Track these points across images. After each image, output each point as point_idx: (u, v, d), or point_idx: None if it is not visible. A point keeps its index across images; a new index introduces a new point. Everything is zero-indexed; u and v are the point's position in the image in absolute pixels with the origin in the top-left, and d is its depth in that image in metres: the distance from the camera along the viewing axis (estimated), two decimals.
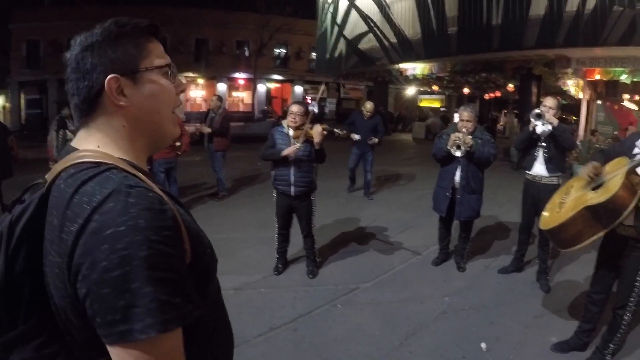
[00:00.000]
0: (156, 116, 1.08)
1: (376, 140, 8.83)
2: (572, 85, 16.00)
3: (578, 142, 13.66)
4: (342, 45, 23.47)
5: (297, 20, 33.48)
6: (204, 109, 26.33)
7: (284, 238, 5.11)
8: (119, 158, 0.98)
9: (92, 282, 0.82)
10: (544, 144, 4.79)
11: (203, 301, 0.99)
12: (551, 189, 4.64)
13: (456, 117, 5.69)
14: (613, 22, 11.28)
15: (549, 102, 4.79)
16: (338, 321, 4.16)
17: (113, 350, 0.84)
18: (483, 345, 3.82)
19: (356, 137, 8.75)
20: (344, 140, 6.37)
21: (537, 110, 4.69)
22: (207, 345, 1.08)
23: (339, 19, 23.35)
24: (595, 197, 3.04)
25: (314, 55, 32.25)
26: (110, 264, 0.81)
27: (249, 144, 14.15)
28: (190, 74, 32.32)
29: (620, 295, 3.41)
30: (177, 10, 30.26)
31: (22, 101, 31.44)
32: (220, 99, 8.73)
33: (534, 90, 15.68)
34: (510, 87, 19.93)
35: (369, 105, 9.05)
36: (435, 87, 26.37)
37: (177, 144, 7.22)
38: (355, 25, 22.04)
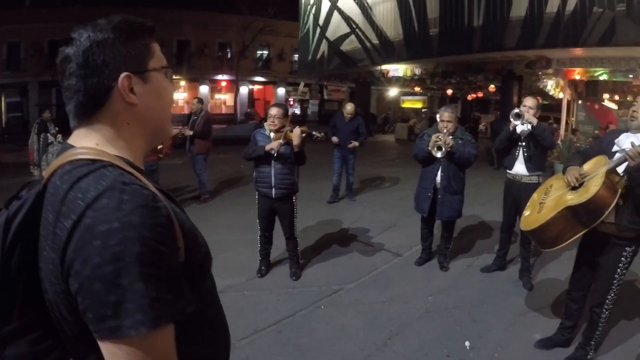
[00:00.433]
0: (160, 114, 1.11)
1: (356, 144, 8.61)
2: (552, 86, 16.21)
3: (559, 142, 13.86)
4: (324, 47, 23.50)
5: (280, 22, 33.43)
6: (186, 111, 26.14)
7: (266, 240, 5.09)
8: (116, 156, 0.99)
9: (84, 278, 0.82)
10: (523, 144, 4.85)
11: (198, 299, 0.99)
12: (532, 188, 4.69)
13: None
14: (593, 23, 11.44)
15: (529, 102, 4.86)
16: (322, 322, 4.16)
17: (104, 346, 0.84)
18: (467, 343, 3.84)
19: (335, 139, 8.57)
20: (324, 142, 6.36)
21: (516, 110, 4.74)
22: (204, 342, 1.09)
23: (321, 21, 23.38)
24: (575, 198, 3.07)
25: (296, 56, 32.24)
26: (103, 260, 0.81)
27: (231, 146, 14.10)
28: (173, 76, 32.03)
29: (597, 293, 3.46)
30: (158, 12, 30.01)
31: (3, 104, 30.89)
32: (201, 101, 8.69)
33: (515, 90, 15.85)
34: (492, 87, 20.11)
35: (349, 107, 8.87)
36: (417, 89, 26.56)
37: (159, 147, 7.15)
38: (337, 27, 22.08)
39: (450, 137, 4.88)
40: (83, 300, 0.83)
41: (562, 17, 12.08)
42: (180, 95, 33.21)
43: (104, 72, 0.98)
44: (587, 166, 3.27)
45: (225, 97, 35.72)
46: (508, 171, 5.05)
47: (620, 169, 3.10)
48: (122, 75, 0.99)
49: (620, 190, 3.03)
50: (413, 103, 34.06)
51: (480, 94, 25.78)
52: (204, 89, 33.63)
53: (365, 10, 19.90)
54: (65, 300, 0.88)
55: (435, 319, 4.28)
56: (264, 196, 4.84)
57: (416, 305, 4.53)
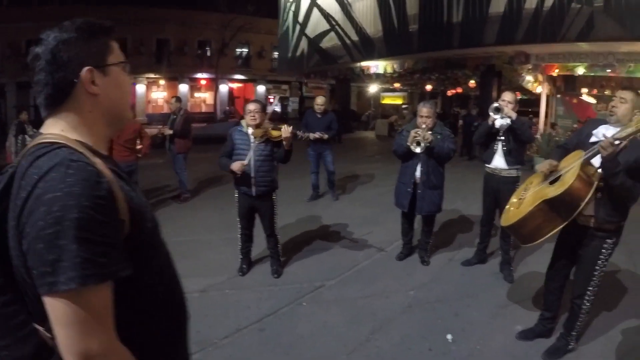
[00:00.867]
0: (118, 103, 1.27)
1: (323, 135, 8.11)
2: (529, 81, 16.41)
3: (538, 136, 14.04)
4: (304, 44, 23.46)
5: (259, 20, 33.34)
6: (165, 110, 25.93)
7: (247, 238, 5.07)
8: (76, 140, 1.13)
9: (31, 238, 0.96)
10: (502, 138, 4.89)
11: (149, 273, 1.18)
12: (511, 182, 4.76)
13: None
14: (571, 18, 11.57)
15: (507, 96, 4.90)
16: (304, 319, 4.15)
17: (46, 301, 0.98)
18: (449, 336, 3.87)
19: (314, 135, 8.13)
20: (301, 140, 6.34)
21: (495, 104, 4.78)
22: (152, 314, 1.21)
23: (300, 18, 23.33)
24: (552, 191, 3.11)
25: (276, 54, 32.09)
26: (46, 223, 0.95)
27: (211, 145, 13.97)
28: (152, 75, 31.79)
29: (577, 285, 3.50)
30: (137, 10, 29.64)
31: None
32: (179, 100, 8.61)
33: (495, 85, 15.99)
34: (472, 83, 20.27)
35: (319, 100, 8.50)
36: (397, 85, 26.65)
37: (138, 146, 7.08)
38: (317, 24, 22.06)
39: (429, 132, 4.89)
40: (30, 259, 0.97)
41: (540, 13, 12.21)
42: (160, 94, 32.91)
43: (69, 67, 1.13)
44: (564, 161, 3.31)
45: (205, 96, 35.41)
46: (487, 165, 5.09)
47: (597, 163, 3.13)
48: (85, 69, 1.15)
49: (596, 183, 3.07)
50: (393, 99, 34.17)
51: (459, 90, 25.97)
52: (183, 88, 33.30)
53: (344, 7, 19.91)
54: (23, 263, 1.01)
55: (417, 313, 4.31)
56: (244, 194, 4.81)
57: (398, 300, 4.55)
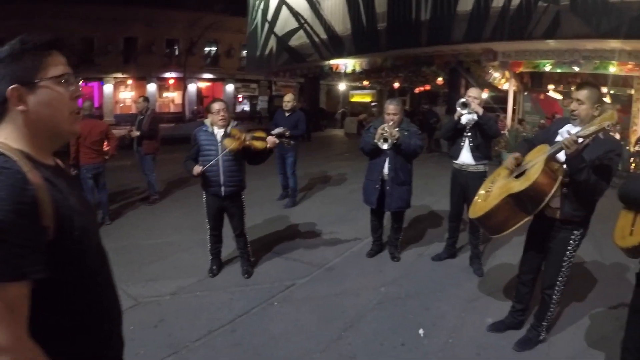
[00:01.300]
0: (51, 118, 1.29)
1: (287, 132, 7.61)
2: (496, 78, 16.68)
3: (505, 132, 14.29)
4: (272, 43, 23.35)
5: (228, 18, 33.09)
6: (134, 110, 25.52)
7: (216, 239, 5.02)
8: (16, 148, 1.20)
9: None
10: (469, 133, 4.96)
11: (79, 277, 1.24)
12: (478, 177, 4.82)
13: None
14: (538, 16, 11.78)
15: (473, 92, 4.98)
16: (276, 319, 4.15)
17: None
18: (421, 331, 3.92)
19: (277, 130, 7.45)
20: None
21: (462, 100, 4.84)
22: (74, 315, 1.25)
23: (269, 16, 23.21)
24: (517, 185, 3.17)
25: (244, 53, 31.88)
26: None
27: (179, 145, 13.77)
28: (119, 75, 31.29)
29: (547, 276, 3.57)
30: (104, 9, 29.09)
31: None
32: (147, 99, 8.47)
33: (463, 83, 16.20)
34: (440, 80, 20.48)
35: (287, 97, 8.29)
36: (366, 83, 26.75)
37: (105, 148, 6.96)
38: (285, 22, 21.98)
39: (396, 129, 4.93)
40: None
41: (507, 11, 12.41)
42: (128, 94, 32.35)
43: (1, 85, 1.21)
44: (529, 156, 3.37)
45: (174, 95, 34.97)
46: (455, 161, 5.15)
47: (562, 158, 3.19)
48: (9, 87, 1.21)
49: (560, 178, 3.14)
50: (362, 97, 34.27)
51: (428, 87, 26.18)
52: (151, 87, 32.86)
53: (313, 5, 19.89)
54: None
55: (389, 309, 4.34)
56: (213, 195, 4.76)
57: (369, 296, 4.57)
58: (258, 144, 4.60)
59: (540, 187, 3.07)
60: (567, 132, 3.23)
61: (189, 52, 31.87)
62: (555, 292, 3.53)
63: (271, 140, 4.62)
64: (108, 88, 31.34)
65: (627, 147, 12.15)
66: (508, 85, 16.77)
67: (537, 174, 3.05)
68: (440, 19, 14.14)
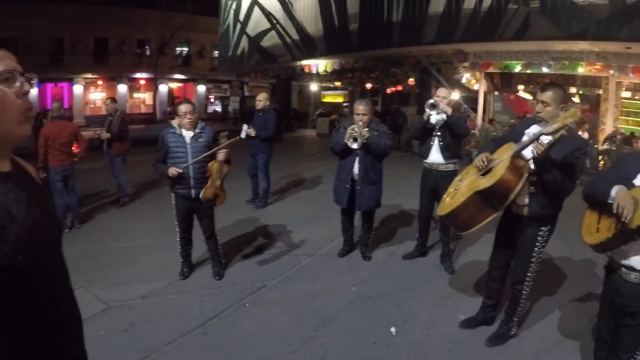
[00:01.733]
0: None
1: (252, 132, 7.65)
2: (467, 79, 16.95)
3: (476, 131, 14.50)
4: (244, 43, 23.30)
5: (199, 18, 32.76)
6: (104, 112, 25.09)
7: (186, 241, 4.97)
8: None
9: None
10: (439, 133, 5.02)
11: (8, 288, 1.14)
12: (448, 176, 4.88)
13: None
14: (508, 18, 12.05)
15: (442, 92, 5.04)
16: (247, 320, 4.13)
17: None
18: (393, 329, 3.95)
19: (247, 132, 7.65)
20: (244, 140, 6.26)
21: (431, 101, 4.90)
22: (17, 331, 1.18)
23: (241, 16, 23.15)
24: (483, 182, 3.22)
25: (216, 53, 31.68)
26: None
27: (150, 146, 13.58)
28: (90, 75, 30.73)
29: (517, 271, 3.64)
30: (75, 7, 28.53)
31: None
32: (114, 100, 8.41)
33: (433, 83, 16.38)
34: (411, 81, 20.68)
35: (259, 96, 8.17)
36: (337, 83, 26.84)
37: (74, 150, 6.84)
38: (257, 23, 21.95)
39: (366, 129, 4.96)
40: None
41: (478, 13, 12.64)
42: (98, 95, 31.71)
43: None
44: (497, 154, 3.42)
45: (145, 96, 34.43)
46: (425, 160, 5.21)
47: (528, 155, 3.24)
48: None
49: (526, 174, 3.20)
50: (334, 97, 34.41)
51: (400, 88, 26.42)
52: (122, 88, 32.36)
53: (285, 5, 19.91)
54: None
55: (360, 308, 4.36)
56: (183, 197, 4.71)
57: (341, 296, 4.59)
58: (223, 169, 4.61)
59: (506, 184, 3.12)
60: (533, 133, 3.28)
61: (161, 52, 31.48)
62: (524, 287, 3.60)
63: (222, 156, 4.59)
64: (78, 89, 30.73)
65: (596, 146, 12.48)
66: (478, 85, 17.05)
67: (502, 171, 3.09)
68: (411, 20, 14.32)
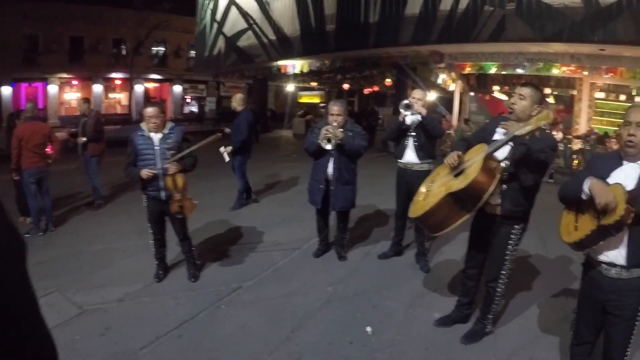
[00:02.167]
0: None
1: (228, 149, 7.61)
2: (443, 80, 17.12)
3: (452, 131, 14.65)
4: (221, 43, 23.19)
5: (176, 17, 32.47)
6: (79, 112, 24.63)
7: (160, 243, 4.94)
8: None
9: None
10: (413, 133, 5.08)
11: None
12: (423, 175, 4.89)
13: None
14: (484, 20, 12.18)
15: (417, 94, 5.10)
16: (223, 322, 4.13)
17: None
18: (368, 329, 3.98)
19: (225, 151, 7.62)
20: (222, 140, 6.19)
21: (406, 101, 4.96)
22: None
23: (218, 16, 23.03)
24: (456, 184, 3.25)
25: (193, 53, 31.43)
26: None
27: (126, 147, 13.45)
28: (65, 75, 30.19)
29: (491, 270, 3.69)
30: (49, 6, 27.95)
31: None
32: (88, 101, 8.33)
33: (409, 84, 16.51)
34: (388, 81, 20.80)
35: (237, 96, 8.16)
36: (314, 84, 26.85)
37: (48, 152, 6.73)
38: (234, 23, 21.86)
39: (341, 129, 4.98)
40: None
41: (455, 15, 12.76)
42: (73, 95, 31.13)
43: None
44: (468, 155, 3.44)
45: (120, 97, 33.96)
46: (399, 160, 5.26)
47: (501, 156, 3.31)
48: None
49: (498, 175, 3.25)
50: (311, 98, 34.42)
51: (376, 88, 26.54)
52: (97, 88, 31.88)
53: (263, 6, 19.88)
54: None
55: (336, 308, 4.38)
56: (154, 199, 4.68)
57: (316, 296, 4.61)
58: (180, 182, 4.57)
59: (479, 185, 3.16)
60: (503, 133, 3.32)
61: (136, 52, 31.07)
62: (499, 285, 3.65)
63: (171, 169, 4.52)
64: (53, 89, 30.16)
65: (570, 145, 12.70)
66: (454, 86, 17.22)
67: (475, 173, 3.13)
68: (388, 22, 14.41)
